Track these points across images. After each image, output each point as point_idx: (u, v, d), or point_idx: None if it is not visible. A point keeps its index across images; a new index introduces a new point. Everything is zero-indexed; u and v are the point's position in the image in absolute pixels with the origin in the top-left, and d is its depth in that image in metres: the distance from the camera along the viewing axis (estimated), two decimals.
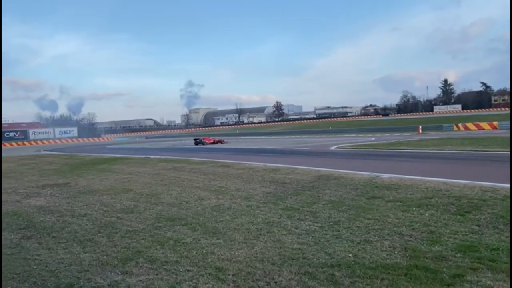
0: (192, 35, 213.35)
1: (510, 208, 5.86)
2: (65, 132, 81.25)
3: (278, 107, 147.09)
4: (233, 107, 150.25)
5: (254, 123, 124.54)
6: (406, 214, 6.46)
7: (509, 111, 74.26)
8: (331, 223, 6.20)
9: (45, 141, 72.19)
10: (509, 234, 5.20)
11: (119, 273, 4.55)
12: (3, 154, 32.43)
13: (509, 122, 38.86)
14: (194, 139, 38.91)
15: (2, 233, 6.50)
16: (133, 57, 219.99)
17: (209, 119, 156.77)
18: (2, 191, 11.29)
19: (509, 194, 7.29)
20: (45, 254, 5.38)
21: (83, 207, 8.60)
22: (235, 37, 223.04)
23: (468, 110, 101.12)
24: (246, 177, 11.62)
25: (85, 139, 74.81)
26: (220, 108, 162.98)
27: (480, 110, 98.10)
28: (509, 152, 15.35)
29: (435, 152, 17.82)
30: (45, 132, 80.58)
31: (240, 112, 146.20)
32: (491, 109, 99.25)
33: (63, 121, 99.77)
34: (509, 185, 8.03)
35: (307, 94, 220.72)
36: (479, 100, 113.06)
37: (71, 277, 4.46)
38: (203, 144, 36.45)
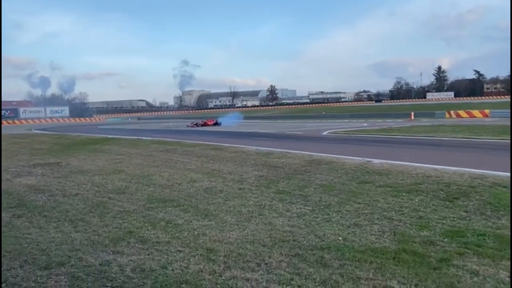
0: (187, 16, 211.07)
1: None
2: (56, 112, 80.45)
3: (272, 91, 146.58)
4: (227, 90, 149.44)
5: (248, 106, 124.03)
6: (396, 199, 6.53)
7: (502, 100, 74.73)
8: (322, 207, 6.26)
9: (36, 120, 71.48)
10: (496, 220, 5.29)
11: (111, 252, 4.57)
12: None
13: (501, 110, 39.21)
14: (195, 124, 39.01)
15: None
16: (126, 37, 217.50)
17: (203, 101, 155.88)
18: None
19: (497, 181, 7.40)
20: (36, 233, 5.38)
21: (74, 187, 8.58)
22: (231, 19, 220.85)
23: (461, 98, 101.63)
24: (238, 160, 11.64)
25: (77, 119, 74.17)
26: (214, 90, 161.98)
27: (472, 98, 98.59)
28: (501, 140, 15.53)
29: (426, 139, 17.95)
30: (36, 110, 79.74)
31: (234, 95, 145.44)
32: (483, 97, 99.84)
33: (55, 100, 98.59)
34: (499, 172, 8.15)
35: (302, 79, 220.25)
36: (472, 88, 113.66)
37: (62, 256, 4.48)
38: (203, 126, 37.20)
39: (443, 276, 3.69)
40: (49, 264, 4.25)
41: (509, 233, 4.75)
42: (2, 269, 4.14)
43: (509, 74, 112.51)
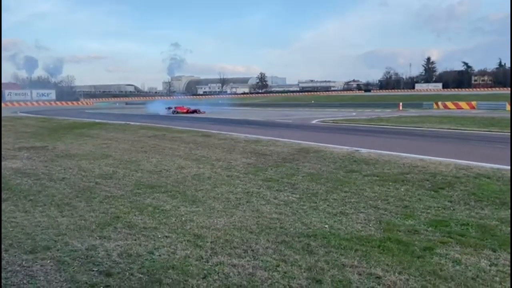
0: (177, 2, 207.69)
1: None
2: (42, 95, 79.04)
3: (262, 78, 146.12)
4: (216, 76, 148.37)
5: (237, 93, 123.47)
6: (382, 189, 6.61)
7: (489, 92, 75.60)
8: (309, 195, 6.31)
9: (21, 103, 70.17)
10: (479, 210, 5.39)
11: (97, 237, 4.55)
12: None
13: (488, 102, 39.72)
14: (168, 107, 37.97)
15: None
16: (114, 20, 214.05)
17: (192, 87, 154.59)
18: None
19: (482, 172, 7.52)
20: (22, 217, 5.34)
21: (61, 171, 8.50)
22: (221, 6, 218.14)
23: (449, 89, 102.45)
24: (227, 148, 11.63)
25: (64, 103, 73.06)
26: (203, 77, 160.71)
27: (460, 89, 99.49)
28: (487, 132, 15.75)
29: (414, 129, 18.12)
30: (21, 93, 78.25)
31: (223, 82, 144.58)
32: (471, 89, 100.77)
33: (41, 83, 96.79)
34: (484, 164, 8.28)
35: (292, 67, 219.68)
36: (460, 79, 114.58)
37: (48, 240, 4.45)
38: (177, 113, 35.64)
39: (426, 264, 3.76)
40: (35, 248, 4.23)
41: (491, 223, 4.85)
42: None
43: (497, 67, 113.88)
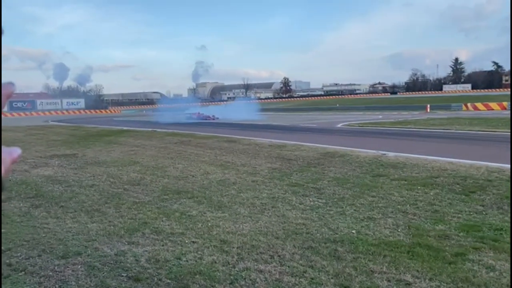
0: (200, 7, 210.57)
1: (510, 195, 5.81)
2: (72, 103, 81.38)
3: (286, 83, 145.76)
4: (240, 82, 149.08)
5: (261, 99, 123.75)
6: (410, 193, 6.47)
7: None
8: (335, 200, 6.24)
9: (52, 112, 72.39)
10: None
11: (126, 243, 4.63)
12: (11, 124, 32.70)
13: None
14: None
15: (12, 202, 6.61)
16: (140, 29, 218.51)
17: (216, 93, 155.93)
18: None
19: None
20: (54, 223, 5.49)
21: (90, 178, 8.71)
22: (244, 10, 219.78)
23: (478, 90, 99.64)
24: (252, 153, 11.65)
25: (92, 111, 74.95)
26: (227, 82, 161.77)
27: (490, 90, 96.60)
28: None
29: (442, 132, 17.70)
30: (52, 102, 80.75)
31: (247, 87, 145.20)
32: (501, 89, 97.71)
33: (71, 92, 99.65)
34: None
35: (315, 70, 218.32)
36: (490, 79, 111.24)
37: (79, 246, 4.56)
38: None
39: (459, 270, 3.66)
40: (66, 253, 4.34)
41: None
42: (21, 257, 4.23)
43: None
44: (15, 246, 4.56)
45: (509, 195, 6.06)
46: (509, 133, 15.73)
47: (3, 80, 0.43)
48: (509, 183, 6.77)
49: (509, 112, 32.56)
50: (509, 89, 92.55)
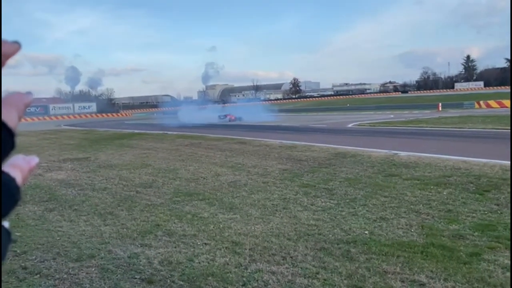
0: (208, 11, 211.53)
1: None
2: (84, 107, 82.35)
3: (296, 84, 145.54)
4: (250, 83, 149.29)
5: (271, 100, 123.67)
6: (423, 192, 6.41)
7: None
8: (347, 200, 6.21)
9: (65, 116, 73.23)
10: None
11: (139, 245, 4.67)
12: (25, 129, 33.14)
13: None
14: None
15: (26, 205, 6.69)
16: (149, 32, 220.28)
17: (226, 95, 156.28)
18: None
19: None
20: (67, 226, 5.55)
21: (103, 181, 8.78)
22: (253, 11, 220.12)
23: (491, 87, 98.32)
24: (262, 154, 11.65)
25: (104, 115, 75.67)
26: (237, 84, 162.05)
27: (503, 87, 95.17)
28: None
29: (455, 130, 17.50)
30: (65, 107, 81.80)
31: (256, 89, 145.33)
32: None
33: (82, 97, 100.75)
34: None
35: (325, 71, 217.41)
36: (503, 77, 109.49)
37: (93, 249, 4.61)
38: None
39: (474, 270, 3.61)
40: (80, 256, 4.38)
41: None
42: (36, 260, 4.29)
43: None
44: (30, 250, 4.62)
45: None
46: None
47: (18, 88, 0.44)
48: None
49: None
50: None
